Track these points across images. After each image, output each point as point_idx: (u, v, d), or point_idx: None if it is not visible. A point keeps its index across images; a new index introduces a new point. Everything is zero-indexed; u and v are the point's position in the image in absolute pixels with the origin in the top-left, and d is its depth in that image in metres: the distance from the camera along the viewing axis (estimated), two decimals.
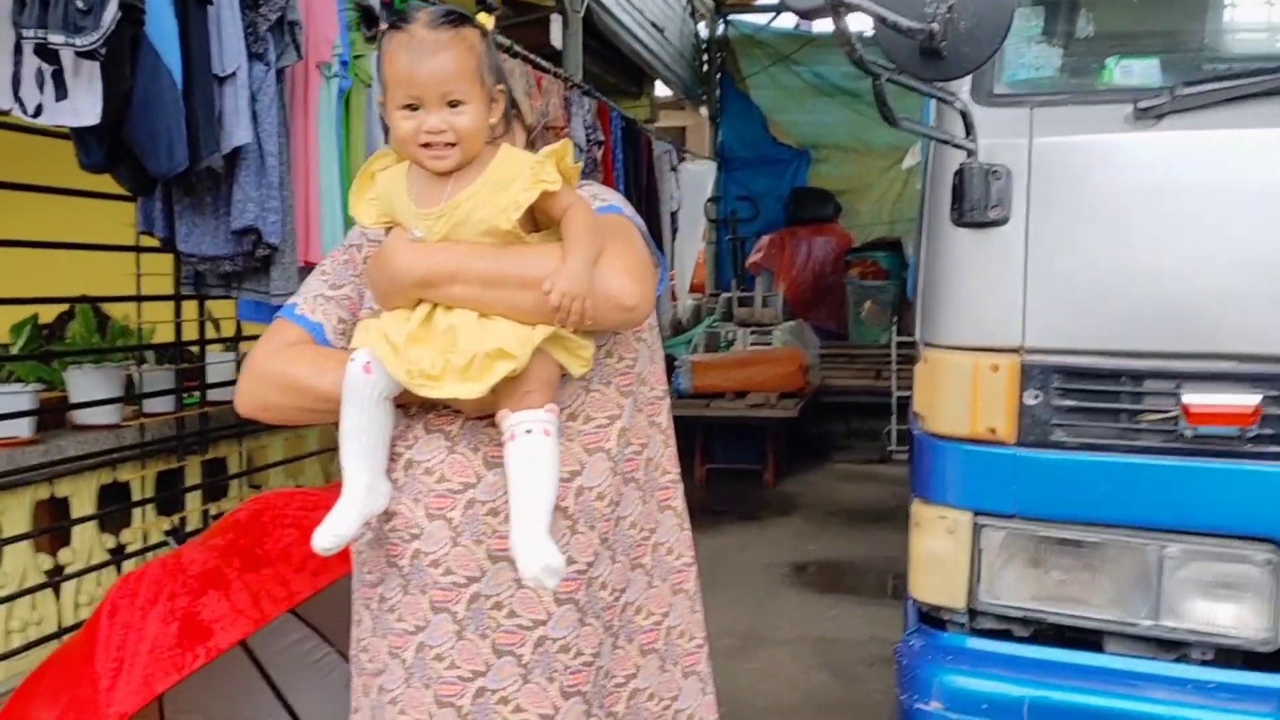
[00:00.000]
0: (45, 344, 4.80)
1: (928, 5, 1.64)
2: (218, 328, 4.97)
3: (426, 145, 1.54)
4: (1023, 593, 2.16)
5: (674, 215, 8.41)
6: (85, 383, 4.16)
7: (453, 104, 1.53)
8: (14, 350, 4.25)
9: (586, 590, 1.64)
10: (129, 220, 3.74)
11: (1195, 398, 2.01)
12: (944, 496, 2.18)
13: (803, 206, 11.64)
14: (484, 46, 1.57)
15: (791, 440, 8.65)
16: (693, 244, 9.81)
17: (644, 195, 7.40)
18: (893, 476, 8.09)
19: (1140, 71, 2.15)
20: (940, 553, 2.17)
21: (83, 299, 4.51)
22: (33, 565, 3.75)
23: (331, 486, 3.13)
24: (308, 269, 3.27)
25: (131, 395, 4.31)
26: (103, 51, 2.26)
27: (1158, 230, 2.03)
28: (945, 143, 2.01)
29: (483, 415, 1.59)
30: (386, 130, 1.83)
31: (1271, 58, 2.71)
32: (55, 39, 2.19)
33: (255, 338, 4.98)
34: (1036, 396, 2.08)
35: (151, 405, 4.38)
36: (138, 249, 3.97)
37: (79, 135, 2.58)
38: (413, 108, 1.54)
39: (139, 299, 4.19)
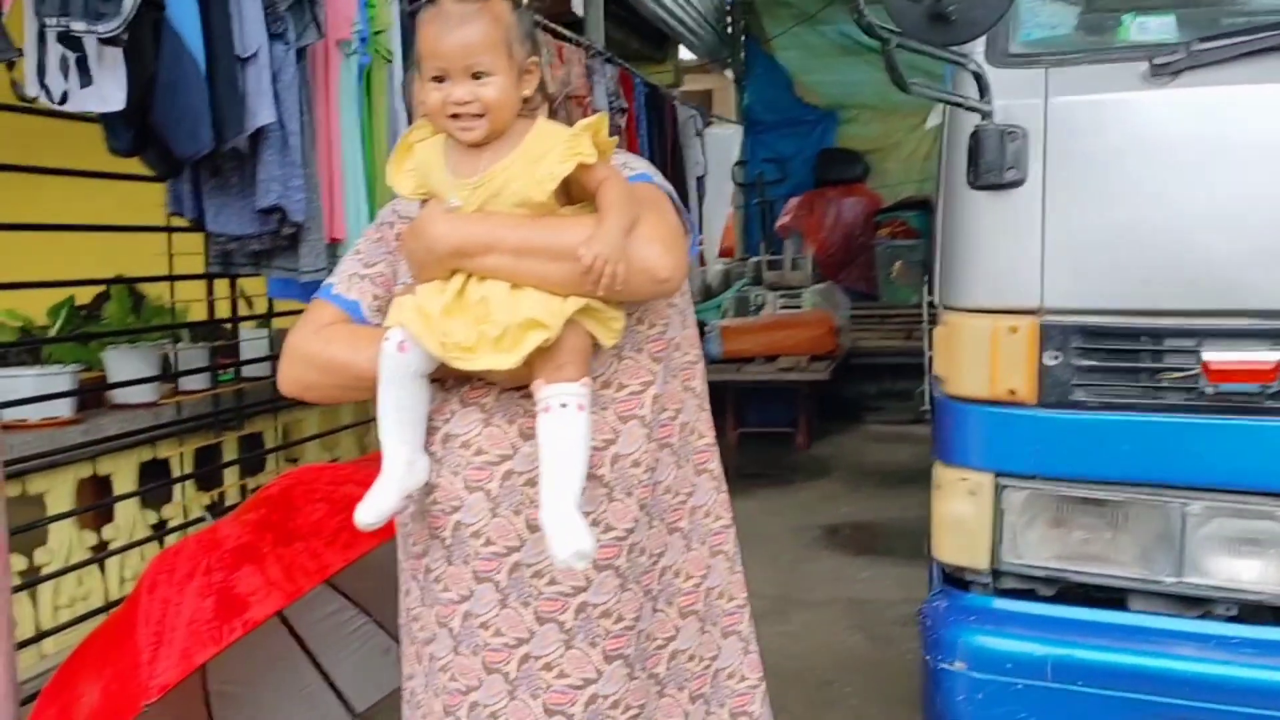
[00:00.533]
0: (82, 325, 4.87)
1: None
2: (250, 305, 5.03)
3: (455, 116, 1.56)
4: (1045, 552, 2.17)
5: (700, 180, 8.37)
6: (123, 362, 4.24)
7: (478, 75, 1.55)
8: (52, 332, 4.32)
9: (626, 556, 1.67)
10: (159, 201, 3.79)
11: (1215, 355, 2.00)
12: (965, 458, 2.19)
13: (830, 168, 11.54)
14: (514, 19, 1.58)
15: (823, 403, 8.64)
16: (720, 208, 9.77)
17: (669, 161, 7.37)
18: (925, 437, 7.94)
19: (1156, 27, 2.13)
20: (962, 514, 2.18)
21: (118, 280, 4.58)
22: (78, 542, 3.84)
23: (363, 460, 3.18)
24: (334, 245, 3.32)
25: (168, 374, 4.39)
26: (125, 37, 2.28)
27: (1175, 188, 2.01)
28: (959, 105, 2.00)
29: (517, 386, 1.62)
30: (410, 108, 1.86)
31: None
32: (78, 26, 2.22)
33: (287, 314, 5.05)
34: (1056, 357, 2.08)
35: (188, 383, 4.46)
36: (169, 229, 4.03)
37: (106, 120, 2.61)
38: (440, 79, 1.56)
39: (172, 279, 4.25)
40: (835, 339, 8.57)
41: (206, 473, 4.44)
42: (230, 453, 4.58)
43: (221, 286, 4.50)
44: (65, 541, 3.79)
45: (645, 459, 1.69)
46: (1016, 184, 2.05)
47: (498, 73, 1.55)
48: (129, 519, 4.07)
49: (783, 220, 11.25)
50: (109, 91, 2.39)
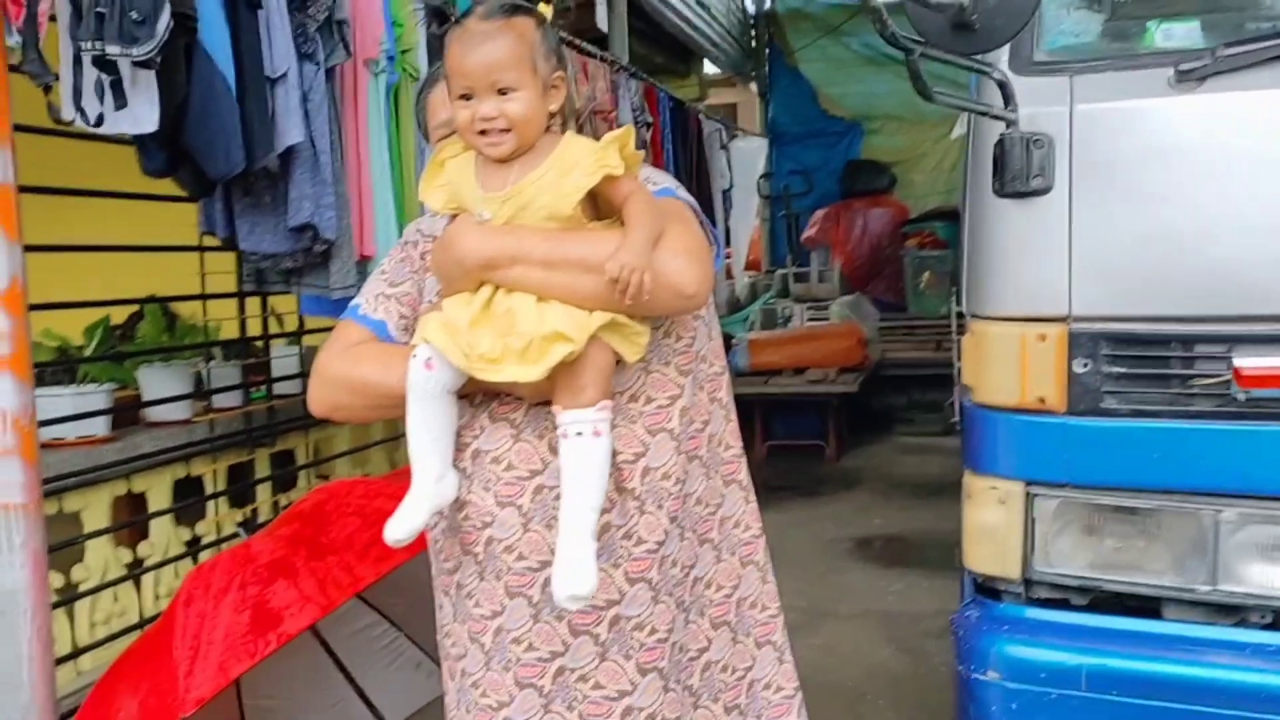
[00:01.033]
0: (117, 344, 4.93)
1: None
2: (281, 322, 5.08)
3: (482, 133, 1.58)
4: (1078, 561, 2.15)
5: (726, 193, 8.39)
6: (157, 381, 4.29)
7: (504, 91, 1.56)
8: (88, 352, 4.38)
9: (659, 569, 1.67)
10: (192, 221, 3.84)
11: (1246, 361, 1.98)
12: (995, 467, 2.19)
13: (857, 179, 11.54)
14: (539, 35, 1.60)
15: (852, 415, 8.62)
16: (746, 221, 9.80)
17: (695, 175, 7.40)
18: (956, 449, 7.89)
19: (1181, 34, 2.13)
20: (993, 523, 2.17)
21: (151, 299, 4.64)
22: (113, 559, 3.88)
23: (394, 474, 3.20)
24: (364, 263, 3.35)
25: (201, 391, 4.43)
26: (158, 60, 2.32)
27: (1203, 194, 2.00)
28: (984, 114, 2.00)
29: (544, 401, 1.63)
30: (423, 126, 1.89)
31: None
32: (112, 50, 2.26)
33: (317, 331, 5.10)
34: (1085, 364, 2.08)
35: (220, 400, 4.50)
36: (201, 249, 4.08)
37: (140, 142, 2.66)
38: (468, 97, 1.58)
39: (204, 297, 4.30)
40: (864, 351, 8.55)
41: (239, 489, 4.48)
42: (262, 469, 4.61)
43: (253, 304, 4.54)
44: (102, 558, 3.83)
45: (675, 471, 1.69)
46: (1043, 192, 2.05)
47: (523, 88, 1.57)
48: (164, 536, 4.11)
49: (809, 232, 11.25)
50: (143, 113, 2.43)
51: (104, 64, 2.33)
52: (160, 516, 4.08)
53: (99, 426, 3.91)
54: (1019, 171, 2.02)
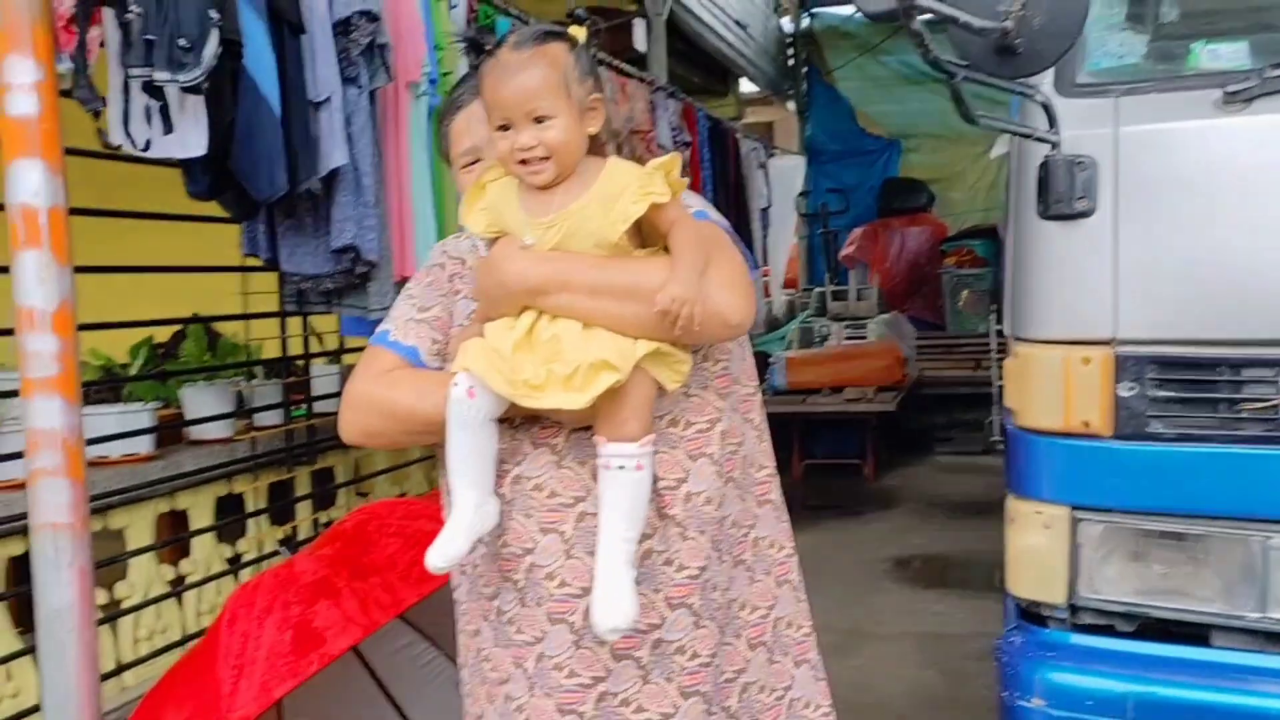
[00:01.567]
0: (160, 363, 4.99)
1: (1000, 3, 1.64)
2: (321, 341, 5.12)
3: (523, 162, 1.58)
4: (1124, 587, 2.13)
5: (764, 212, 8.38)
6: (199, 399, 4.34)
7: (540, 119, 1.56)
8: (132, 371, 4.44)
9: (701, 595, 1.67)
10: (234, 241, 3.89)
11: None
12: (1039, 491, 2.17)
13: (895, 197, 11.51)
14: (571, 59, 1.59)
15: (890, 434, 8.57)
16: (784, 239, 9.80)
17: (733, 193, 7.41)
18: (996, 468, 7.88)
19: (1228, 54, 2.10)
20: (1038, 548, 2.15)
21: (194, 319, 4.70)
22: (156, 576, 3.91)
23: (433, 495, 3.22)
24: (404, 283, 3.37)
25: (242, 410, 4.48)
26: (205, 86, 2.36)
27: (1250, 216, 1.98)
28: (1027, 137, 1.99)
29: (585, 426, 1.62)
30: (446, 155, 1.88)
31: None
32: (160, 76, 2.29)
33: (356, 350, 5.14)
34: (1131, 388, 2.06)
35: (261, 419, 4.55)
36: (243, 269, 4.13)
37: (186, 165, 2.69)
38: (506, 128, 1.58)
39: (246, 317, 4.35)
40: (902, 369, 8.51)
41: (280, 507, 4.52)
42: (303, 487, 4.65)
43: (294, 324, 4.59)
44: (145, 575, 3.87)
45: (716, 496, 1.69)
46: (1087, 214, 2.03)
47: (559, 114, 1.57)
48: (205, 553, 4.15)
49: (847, 250, 11.22)
50: (190, 138, 2.47)
51: (152, 90, 2.36)
52: (203, 534, 4.12)
53: (143, 445, 3.96)
54: (1063, 194, 2.01)
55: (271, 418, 4.59)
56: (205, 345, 4.81)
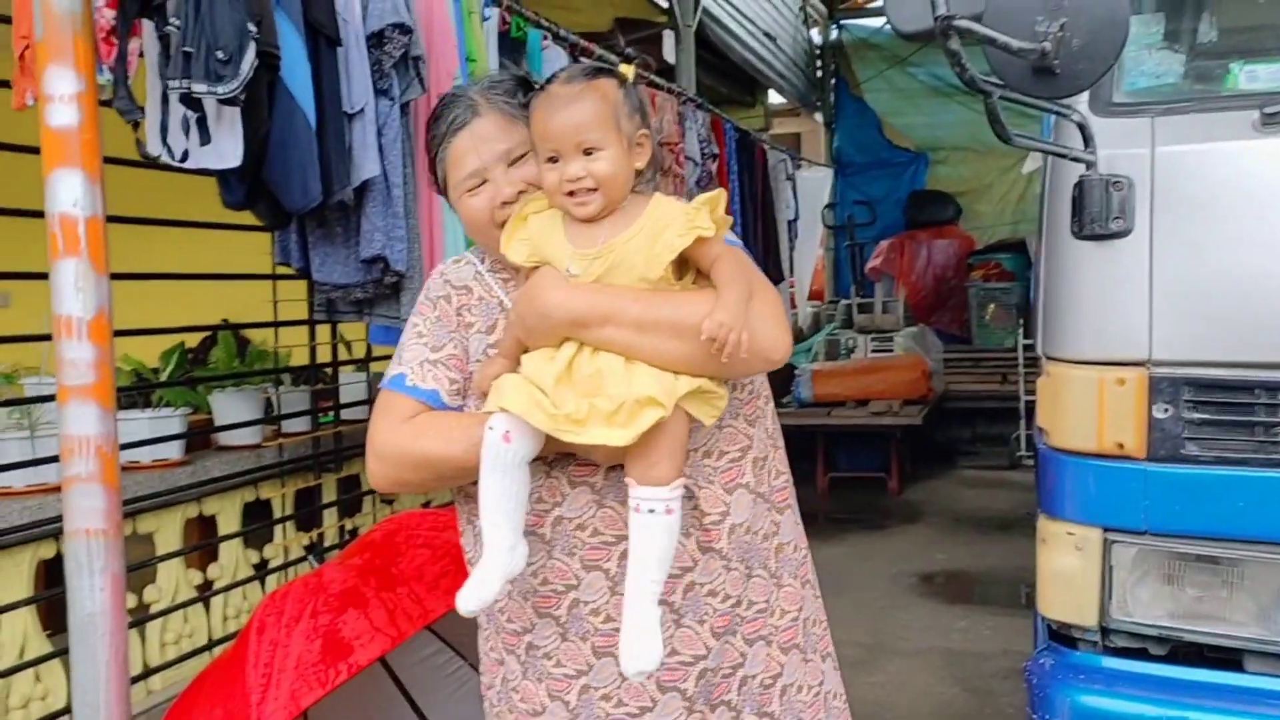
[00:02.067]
0: (190, 369, 5.03)
1: (1038, 24, 1.63)
2: (349, 349, 5.15)
3: (570, 194, 1.58)
4: (1157, 610, 2.11)
5: (791, 224, 8.38)
6: (228, 406, 4.37)
7: (589, 151, 1.57)
8: (163, 376, 4.48)
9: (745, 623, 1.71)
10: (263, 248, 3.92)
11: None
12: (1072, 512, 2.15)
13: (922, 209, 11.49)
14: (621, 94, 1.60)
15: (916, 447, 8.54)
16: (810, 251, 9.78)
17: (760, 205, 7.40)
18: (1022, 483, 7.91)
19: (1266, 75, 2.09)
20: (1069, 569, 2.14)
21: (225, 326, 4.73)
22: (184, 580, 3.94)
23: None
24: None
25: (271, 416, 4.51)
26: (242, 97, 2.37)
27: None
28: (1063, 156, 1.99)
29: (620, 464, 1.61)
30: (443, 191, 1.82)
31: None
32: (198, 88, 2.31)
33: (385, 358, 5.16)
34: (1166, 410, 2.04)
35: (289, 425, 4.58)
36: (274, 276, 4.17)
37: (221, 176, 2.71)
38: (554, 160, 1.59)
39: (276, 324, 4.38)
40: (928, 383, 8.47)
41: (307, 514, 4.54)
42: (329, 494, 4.68)
43: (323, 332, 4.62)
44: (173, 579, 3.90)
45: (754, 524, 1.71)
46: (1122, 234, 2.02)
47: (608, 146, 1.57)
48: (232, 558, 4.18)
49: (873, 263, 11.20)
50: (226, 149, 2.48)
51: (190, 102, 2.38)
52: (230, 540, 4.15)
53: (173, 450, 3.99)
54: (1098, 214, 2.00)
55: (299, 424, 4.62)
56: (235, 352, 4.85)
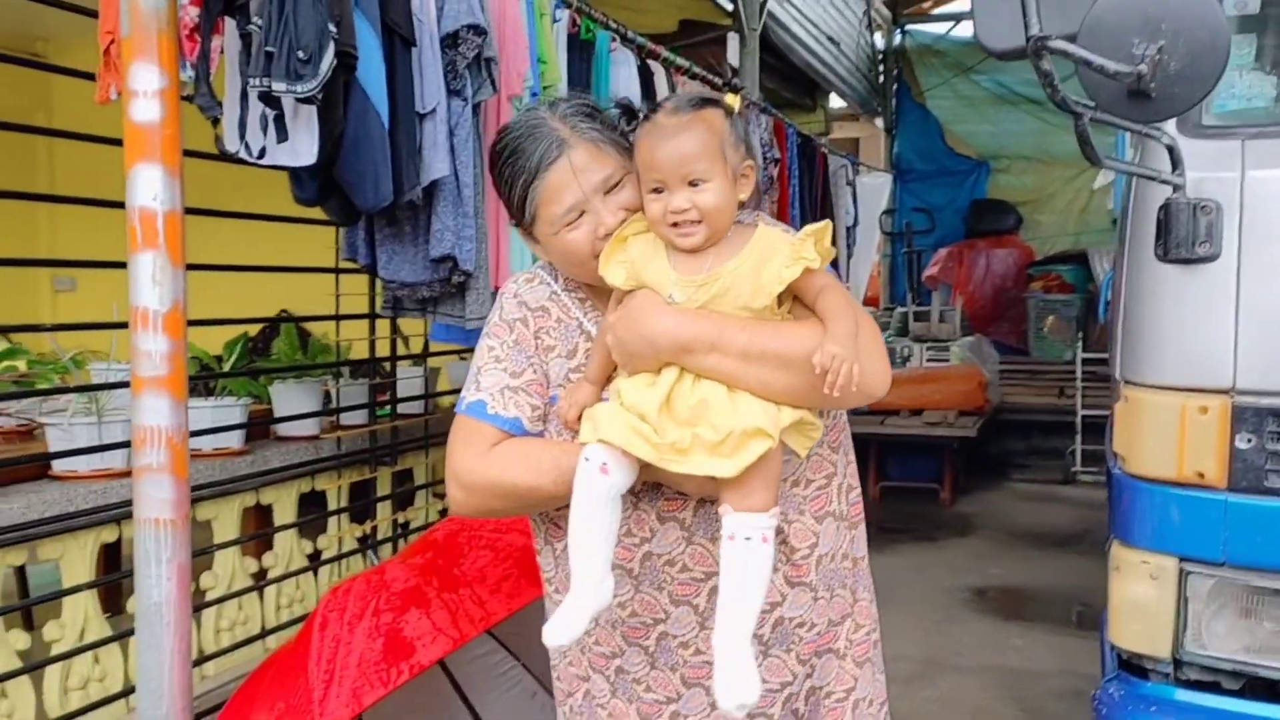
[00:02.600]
0: (254, 359, 5.09)
1: (1135, 47, 1.59)
2: (407, 344, 5.19)
3: (674, 225, 1.57)
4: (1233, 644, 2.07)
5: (850, 230, 8.32)
6: (289, 397, 4.42)
7: (694, 183, 1.55)
8: (226, 366, 4.53)
9: (820, 638, 1.71)
10: (324, 241, 3.95)
11: None
12: (1147, 541, 2.11)
13: (982, 218, 11.37)
14: (727, 125, 1.58)
15: (969, 458, 8.45)
16: (867, 257, 9.69)
17: (819, 210, 7.35)
18: (1078, 499, 7.81)
19: None
20: (1143, 599, 2.10)
21: (289, 319, 4.78)
22: (240, 568, 3.99)
23: None
24: (498, 293, 3.39)
25: (329, 409, 4.55)
26: (319, 96, 2.39)
27: None
28: (1151, 178, 1.94)
29: (709, 500, 1.60)
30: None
31: None
32: (278, 87, 2.32)
33: (443, 354, 5.20)
34: (1249, 440, 2.00)
35: (347, 418, 4.62)
36: (336, 270, 4.20)
37: (294, 172, 2.73)
38: (659, 190, 1.58)
39: (338, 318, 4.42)
40: (984, 394, 8.38)
41: (361, 506, 4.58)
42: (384, 487, 4.71)
43: (382, 326, 4.65)
44: (229, 567, 3.95)
45: (842, 549, 1.72)
46: (1209, 259, 1.98)
47: (713, 178, 1.56)
48: (287, 548, 4.22)
49: (931, 270, 11.10)
50: (302, 147, 2.50)
51: (269, 99, 2.40)
52: (286, 530, 4.19)
53: (233, 439, 4.04)
54: (1184, 237, 1.96)
55: (357, 417, 4.66)
56: (297, 344, 4.89)
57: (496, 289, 3.38)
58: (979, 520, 7.52)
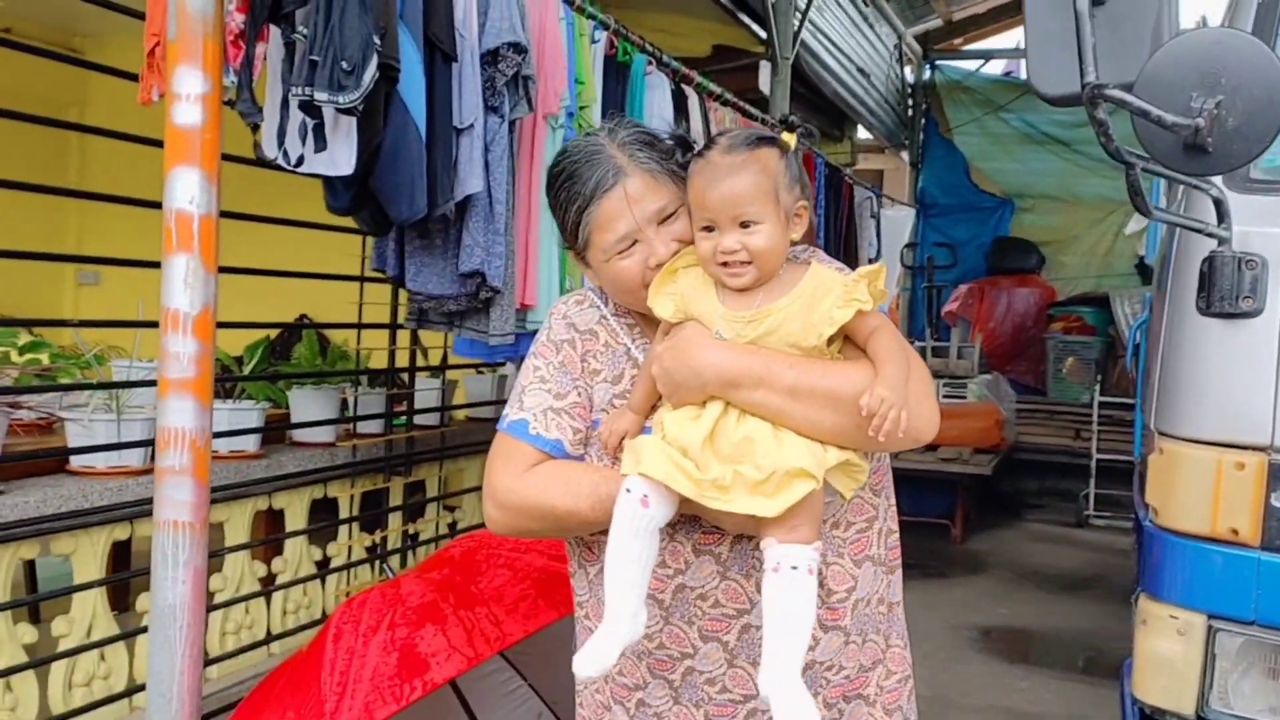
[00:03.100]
0: (272, 362, 5.09)
1: (1193, 100, 1.58)
2: (425, 355, 5.19)
3: (724, 264, 1.55)
4: (1258, 704, 2.04)
5: (872, 261, 8.31)
6: (307, 403, 4.41)
7: (745, 224, 1.53)
8: (246, 369, 4.53)
9: (849, 683, 1.69)
10: (348, 249, 3.95)
11: None
12: (1176, 595, 2.09)
13: (1004, 256, 11.34)
14: (781, 165, 1.56)
15: (982, 496, 8.41)
16: (888, 289, 9.68)
17: (843, 241, 7.35)
18: (1090, 542, 7.76)
19: None
20: (1169, 654, 2.07)
21: (310, 325, 4.78)
22: (249, 571, 3.98)
23: None
24: (524, 311, 3.39)
25: (346, 417, 4.54)
26: (360, 107, 2.39)
27: None
28: (1198, 231, 1.93)
29: (746, 535, 1.58)
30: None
31: None
32: (320, 96, 2.32)
33: (462, 367, 5.19)
34: None
35: (363, 427, 4.61)
36: (361, 279, 4.21)
37: (329, 181, 2.72)
38: (710, 229, 1.56)
39: (359, 326, 4.42)
40: (1000, 432, 8.35)
41: (372, 515, 4.57)
42: (395, 498, 4.70)
43: (402, 337, 4.65)
44: (239, 570, 3.94)
45: (878, 593, 1.69)
46: (1252, 314, 1.96)
47: (765, 220, 1.54)
48: (296, 554, 4.21)
49: (950, 306, 11.07)
50: (340, 157, 2.50)
51: (310, 108, 2.40)
52: (296, 536, 4.18)
53: (249, 443, 4.04)
54: (1228, 291, 1.94)
55: (372, 426, 4.65)
56: (317, 350, 4.90)
57: (522, 307, 3.38)
58: (990, 559, 7.47)
